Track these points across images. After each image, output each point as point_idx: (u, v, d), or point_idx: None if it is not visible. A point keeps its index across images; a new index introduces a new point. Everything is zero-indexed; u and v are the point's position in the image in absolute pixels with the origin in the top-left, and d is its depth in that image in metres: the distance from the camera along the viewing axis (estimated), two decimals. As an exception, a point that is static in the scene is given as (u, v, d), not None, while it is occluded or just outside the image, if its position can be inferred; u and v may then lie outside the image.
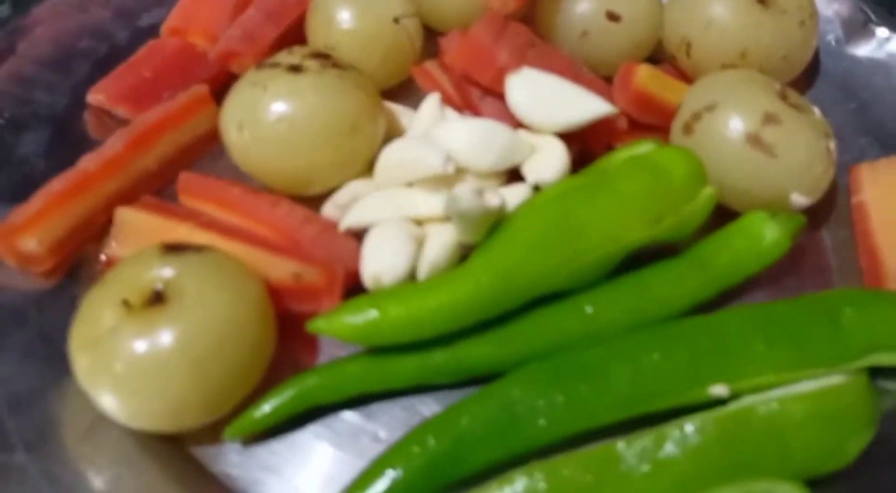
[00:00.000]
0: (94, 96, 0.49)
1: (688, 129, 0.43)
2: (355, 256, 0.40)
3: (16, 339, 0.39)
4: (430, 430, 0.35)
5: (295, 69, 0.43)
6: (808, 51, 0.49)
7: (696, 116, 0.43)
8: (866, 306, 0.38)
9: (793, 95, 0.44)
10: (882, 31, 0.53)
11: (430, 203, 0.41)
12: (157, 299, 0.35)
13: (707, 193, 0.41)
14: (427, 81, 0.49)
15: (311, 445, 0.37)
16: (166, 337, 0.34)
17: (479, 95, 0.47)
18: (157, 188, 0.46)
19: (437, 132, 0.42)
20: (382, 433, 0.37)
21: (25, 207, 0.41)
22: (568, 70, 0.47)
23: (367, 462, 0.34)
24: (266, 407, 0.36)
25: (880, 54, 0.52)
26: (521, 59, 0.46)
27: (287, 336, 0.39)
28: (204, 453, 0.37)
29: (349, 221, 0.41)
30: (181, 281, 0.35)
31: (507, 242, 0.38)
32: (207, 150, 0.48)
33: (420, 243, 0.40)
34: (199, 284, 0.35)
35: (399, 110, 0.49)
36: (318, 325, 0.36)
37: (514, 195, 0.43)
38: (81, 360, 0.34)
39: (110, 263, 0.42)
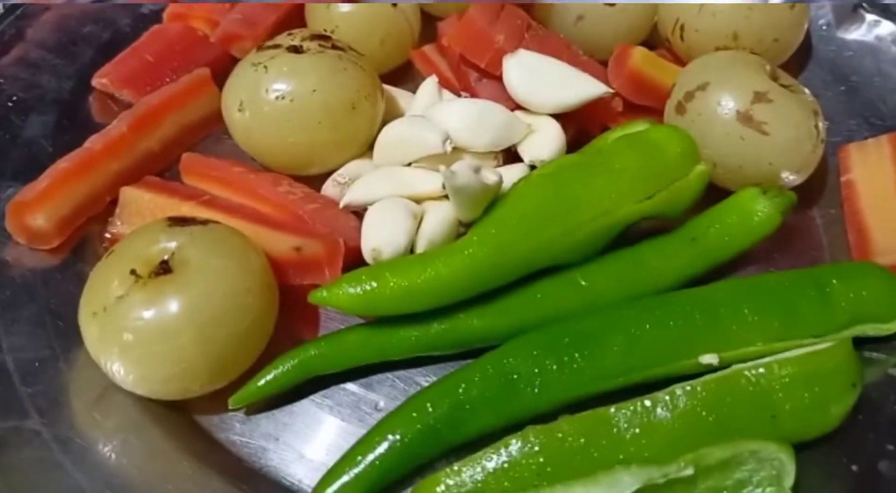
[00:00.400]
0: (99, 80, 0.50)
1: (680, 108, 0.45)
2: (356, 232, 0.41)
3: (26, 312, 0.41)
4: (428, 397, 0.36)
5: (295, 50, 0.44)
6: (799, 33, 0.50)
7: (689, 96, 0.44)
8: (852, 279, 0.39)
9: (783, 75, 0.46)
10: (871, 16, 0.54)
11: (429, 181, 0.42)
12: (164, 269, 0.36)
13: (699, 170, 0.43)
14: (425, 65, 0.51)
15: (312, 414, 0.38)
16: (173, 305, 0.35)
17: (476, 77, 0.48)
18: (160, 169, 0.48)
19: (434, 113, 0.43)
20: (382, 403, 0.39)
21: (33, 185, 0.43)
22: (564, 52, 0.48)
23: (368, 430, 0.36)
24: (268, 376, 0.37)
25: (869, 38, 0.54)
26: (518, 41, 0.47)
27: (288, 311, 0.40)
28: (209, 421, 0.38)
29: (349, 198, 0.43)
30: (187, 252, 0.36)
31: (502, 216, 0.39)
32: (209, 132, 0.49)
33: (419, 219, 0.41)
34: (204, 254, 0.37)
35: (398, 93, 0.50)
36: (319, 296, 0.37)
37: (511, 174, 0.44)
38: (91, 328, 0.35)
39: (115, 240, 0.43)
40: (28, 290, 0.42)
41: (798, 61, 0.53)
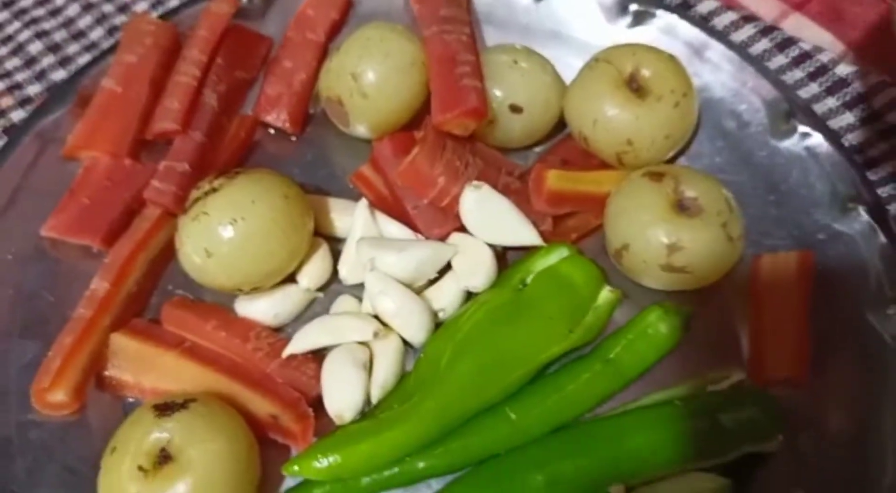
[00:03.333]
0: (48, 233, 0.56)
1: (619, 257, 0.52)
2: (316, 381, 0.50)
3: (47, 473, 0.49)
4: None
5: (215, 191, 0.50)
6: (689, 125, 0.56)
7: (618, 254, 0.52)
8: (741, 406, 0.48)
9: (687, 189, 0.51)
10: (804, 127, 0.57)
11: (359, 331, 0.50)
12: (164, 457, 0.45)
13: (607, 297, 0.50)
14: (365, 186, 0.57)
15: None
16: (181, 488, 0.44)
17: (413, 204, 0.55)
18: (140, 308, 0.55)
19: (376, 258, 0.51)
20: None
21: (46, 366, 0.50)
22: (497, 181, 0.55)
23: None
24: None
25: (799, 148, 0.57)
26: (456, 180, 0.53)
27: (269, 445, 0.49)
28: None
29: (292, 348, 0.51)
30: (179, 439, 0.45)
31: (443, 382, 0.47)
32: (171, 257, 0.55)
33: (368, 368, 0.50)
34: (195, 439, 0.45)
35: (332, 204, 0.56)
36: (291, 469, 0.46)
37: (447, 296, 0.52)
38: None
39: (114, 385, 0.52)
40: (47, 451, 0.50)
41: (732, 163, 0.58)
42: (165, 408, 0.46)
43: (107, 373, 0.52)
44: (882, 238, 0.53)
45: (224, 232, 0.49)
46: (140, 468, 0.44)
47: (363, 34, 0.55)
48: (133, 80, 0.58)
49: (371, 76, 0.54)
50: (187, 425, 0.46)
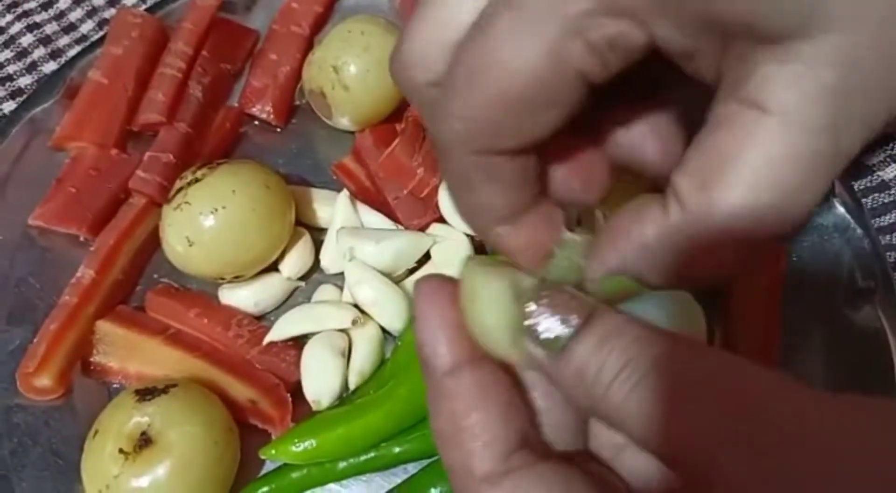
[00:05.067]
0: (35, 222, 0.57)
1: None
2: (295, 367, 0.52)
3: (32, 456, 0.51)
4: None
5: (197, 181, 0.52)
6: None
7: None
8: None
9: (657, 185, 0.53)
10: None
11: (338, 318, 0.52)
12: (145, 440, 0.46)
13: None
14: (347, 177, 0.58)
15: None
16: (161, 471, 0.46)
17: (394, 195, 0.56)
18: (126, 294, 0.56)
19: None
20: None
21: (33, 350, 0.52)
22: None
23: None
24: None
25: None
26: (435, 171, 0.55)
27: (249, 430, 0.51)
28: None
29: (273, 335, 0.52)
30: (159, 423, 0.47)
31: (418, 369, 0.48)
32: (155, 247, 0.57)
33: (346, 353, 0.51)
34: (175, 422, 0.47)
35: (314, 194, 0.58)
36: (269, 452, 0.48)
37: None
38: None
39: (100, 371, 0.53)
40: (32, 435, 0.52)
41: None
42: (146, 393, 0.48)
43: (92, 359, 0.54)
44: (856, 231, 0.55)
45: (205, 221, 0.51)
46: (121, 451, 0.46)
47: (344, 27, 0.57)
48: (120, 73, 0.59)
49: (352, 69, 0.55)
50: (167, 409, 0.47)
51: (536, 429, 0.29)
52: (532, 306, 0.26)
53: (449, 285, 0.29)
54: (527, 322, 0.26)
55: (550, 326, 0.26)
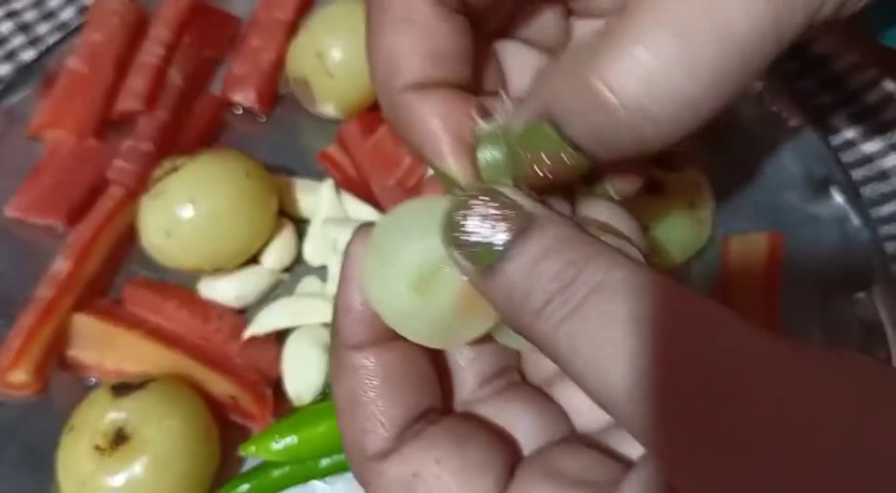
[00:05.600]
0: (12, 213, 0.56)
1: None
2: (276, 363, 0.50)
3: (8, 453, 0.50)
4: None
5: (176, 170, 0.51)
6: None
7: None
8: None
9: (655, 176, 0.51)
10: (777, 109, 0.57)
11: (322, 311, 0.51)
12: (121, 437, 0.45)
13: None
14: (332, 167, 0.57)
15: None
16: (137, 468, 0.45)
17: (380, 186, 0.55)
18: (102, 286, 0.55)
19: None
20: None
21: (8, 344, 0.51)
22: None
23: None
24: (212, 513, 0.47)
25: (772, 131, 0.57)
26: (422, 161, 0.53)
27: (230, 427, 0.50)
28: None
29: (253, 330, 0.51)
30: (135, 419, 0.46)
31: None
32: (131, 241, 0.55)
33: (329, 348, 0.50)
34: (151, 417, 0.46)
35: (297, 184, 0.56)
36: (248, 449, 0.47)
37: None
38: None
39: (75, 366, 0.52)
40: (8, 430, 0.51)
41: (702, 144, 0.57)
42: (122, 388, 0.47)
43: (69, 353, 0.52)
44: (854, 221, 0.53)
45: (183, 212, 0.49)
46: (97, 448, 0.45)
47: (328, 12, 0.55)
48: (98, 60, 0.58)
49: (336, 55, 0.54)
50: (144, 405, 0.46)
51: (440, 396, 0.29)
52: (461, 212, 0.24)
53: None
54: (454, 232, 0.24)
55: (480, 234, 0.24)
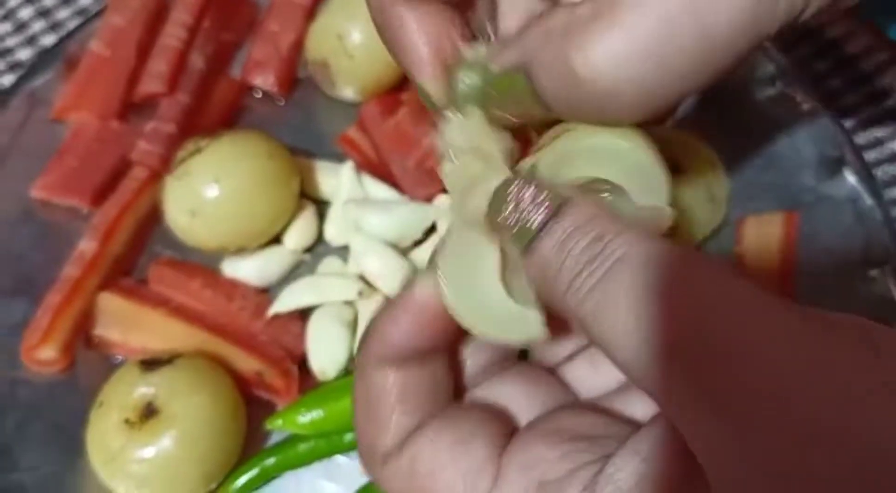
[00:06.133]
0: (38, 193, 0.57)
1: None
2: (300, 340, 0.51)
3: (36, 429, 0.51)
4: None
5: (199, 151, 0.51)
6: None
7: None
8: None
9: (671, 156, 0.52)
10: (791, 90, 0.57)
11: (343, 290, 0.51)
12: (150, 411, 0.46)
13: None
14: (351, 149, 0.57)
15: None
16: (167, 441, 0.46)
17: (399, 166, 0.55)
18: (127, 265, 0.56)
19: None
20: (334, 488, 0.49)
21: (36, 323, 0.52)
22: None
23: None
24: (238, 482, 0.48)
25: (786, 112, 0.57)
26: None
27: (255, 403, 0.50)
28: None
29: (277, 307, 0.52)
30: (164, 393, 0.47)
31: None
32: (156, 220, 0.56)
33: (353, 326, 0.51)
34: (180, 393, 0.47)
35: (318, 166, 0.57)
36: (275, 423, 0.48)
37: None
38: (104, 470, 0.46)
39: (102, 344, 0.53)
40: (36, 408, 0.52)
41: (716, 125, 0.57)
42: (151, 364, 0.48)
43: (95, 332, 0.53)
44: (868, 201, 0.54)
45: (208, 191, 0.50)
46: (126, 422, 0.46)
47: (347, -5, 0.56)
48: (120, 43, 0.58)
49: (356, 37, 0.55)
50: (172, 379, 0.47)
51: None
52: (502, 196, 0.26)
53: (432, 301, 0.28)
54: (499, 217, 0.26)
55: (519, 217, 0.26)
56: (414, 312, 0.28)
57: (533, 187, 0.26)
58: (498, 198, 0.26)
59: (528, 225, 0.25)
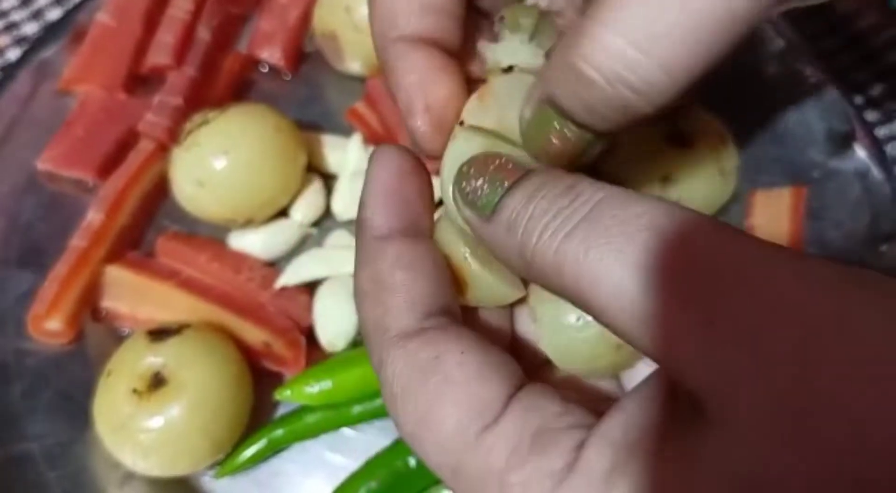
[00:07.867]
0: (44, 165, 0.56)
1: None
2: (307, 312, 0.51)
3: (43, 399, 0.51)
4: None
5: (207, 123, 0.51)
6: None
7: None
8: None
9: (683, 128, 0.52)
10: (801, 66, 0.57)
11: (351, 262, 0.50)
12: (158, 380, 0.46)
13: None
14: (359, 122, 0.57)
15: (282, 471, 0.50)
16: (175, 410, 0.46)
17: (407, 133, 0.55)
18: (135, 237, 0.56)
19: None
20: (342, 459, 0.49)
21: (42, 294, 0.52)
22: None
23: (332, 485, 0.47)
24: (246, 453, 0.48)
25: (796, 87, 0.57)
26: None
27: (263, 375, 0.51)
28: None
29: (285, 280, 0.52)
30: (172, 363, 0.47)
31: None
32: (162, 194, 0.56)
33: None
34: (188, 363, 0.47)
35: (325, 140, 0.57)
36: (283, 393, 0.47)
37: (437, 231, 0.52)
38: (111, 439, 0.47)
39: (109, 316, 0.53)
40: (43, 378, 0.52)
41: (726, 99, 0.56)
42: (159, 334, 0.48)
43: (102, 304, 0.53)
44: (877, 176, 0.54)
45: (216, 162, 0.50)
46: (134, 391, 0.46)
47: (356, -34, 0.55)
48: (127, 15, 0.58)
49: (364, 10, 0.54)
50: (180, 349, 0.47)
51: (457, 298, 0.29)
52: (465, 168, 0.26)
53: (410, 158, 0.29)
54: (460, 187, 0.26)
55: (482, 188, 0.25)
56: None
57: (498, 159, 0.26)
58: (462, 175, 0.26)
59: (496, 186, 0.25)
